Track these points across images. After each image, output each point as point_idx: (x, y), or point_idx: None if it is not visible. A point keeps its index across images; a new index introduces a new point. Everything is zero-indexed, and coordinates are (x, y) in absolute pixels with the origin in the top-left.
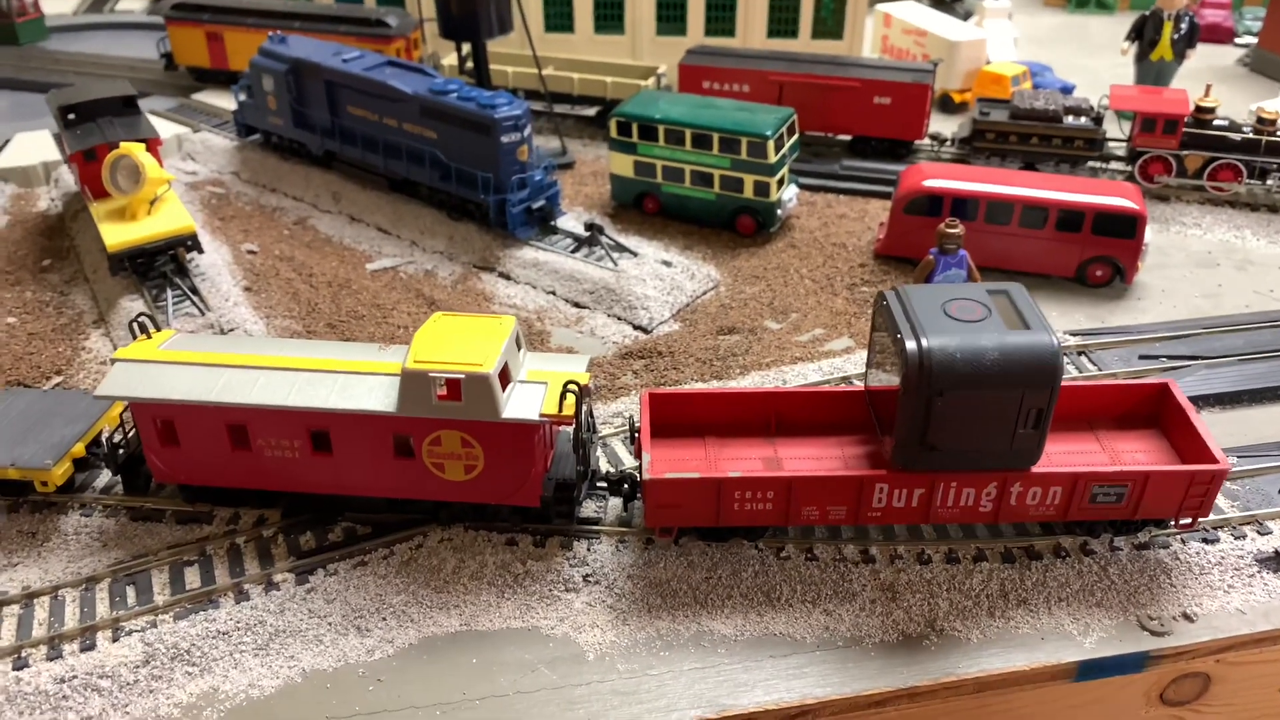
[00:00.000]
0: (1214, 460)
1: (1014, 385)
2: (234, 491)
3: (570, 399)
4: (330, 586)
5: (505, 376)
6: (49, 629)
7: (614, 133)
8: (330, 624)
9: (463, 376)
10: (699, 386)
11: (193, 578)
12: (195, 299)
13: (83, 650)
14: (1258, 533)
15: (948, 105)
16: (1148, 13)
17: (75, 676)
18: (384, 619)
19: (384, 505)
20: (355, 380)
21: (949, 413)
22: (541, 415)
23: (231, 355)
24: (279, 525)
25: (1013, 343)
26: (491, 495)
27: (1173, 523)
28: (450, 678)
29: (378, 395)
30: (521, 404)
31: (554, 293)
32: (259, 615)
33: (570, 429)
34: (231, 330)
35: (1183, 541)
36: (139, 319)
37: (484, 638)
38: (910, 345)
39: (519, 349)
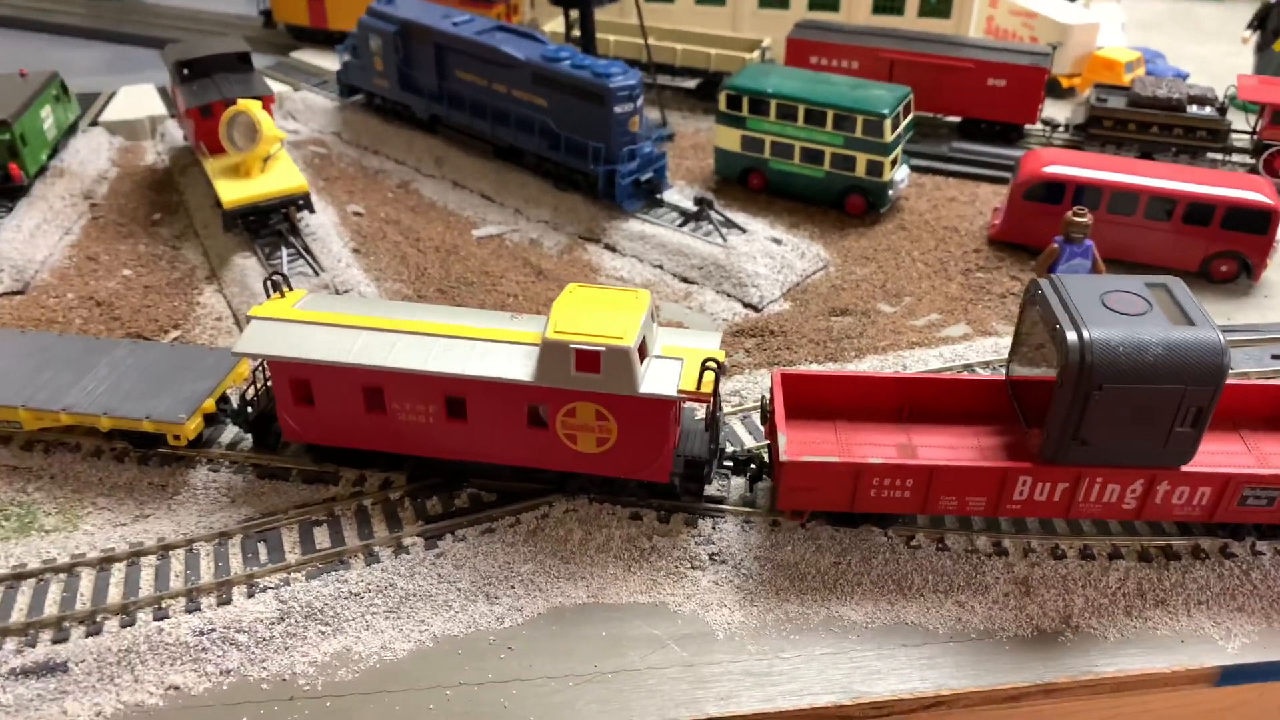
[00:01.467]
0: None
1: (1177, 382)
2: (360, 453)
3: (709, 376)
4: (459, 552)
5: (643, 351)
6: (185, 581)
7: (723, 106)
8: (460, 590)
9: (603, 349)
10: (816, 368)
11: (322, 538)
12: (309, 258)
13: (220, 604)
14: None
15: (1055, 90)
16: (1272, 2)
17: (214, 630)
18: (512, 587)
19: (509, 473)
20: (492, 348)
21: (1106, 407)
22: (679, 392)
23: (367, 317)
24: (405, 489)
25: (1178, 338)
26: (622, 469)
27: None
28: (581, 649)
29: (516, 363)
30: (659, 379)
31: (661, 267)
32: (389, 578)
33: (694, 405)
34: (346, 291)
35: None
36: (274, 276)
37: (612, 611)
38: (1071, 336)
39: (654, 323)
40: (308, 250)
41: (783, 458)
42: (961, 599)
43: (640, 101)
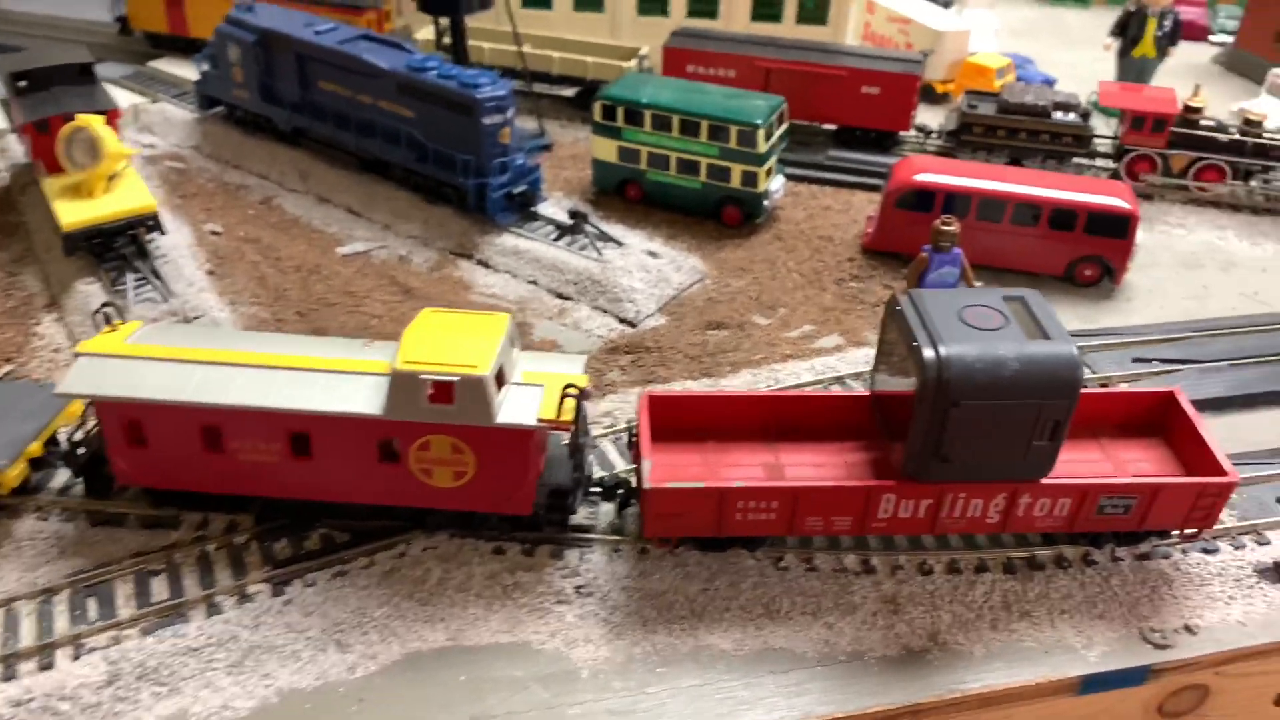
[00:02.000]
0: (1222, 472)
1: (1033, 396)
2: (203, 495)
3: (570, 403)
4: (308, 598)
5: (500, 378)
6: (3, 646)
7: (598, 116)
8: (309, 639)
9: (457, 379)
10: (692, 386)
11: (160, 589)
12: (157, 283)
13: (40, 669)
14: (1256, 543)
15: (929, 96)
16: (1132, 8)
17: (32, 699)
18: (366, 633)
19: (364, 511)
20: (339, 380)
21: (965, 423)
22: (539, 420)
23: (205, 350)
24: (252, 532)
25: (1033, 353)
26: (482, 503)
27: (1176, 533)
28: (437, 696)
29: (363, 396)
30: (517, 408)
31: (535, 282)
32: (232, 630)
33: (561, 431)
34: (196, 318)
35: (1183, 552)
36: (104, 309)
37: (472, 653)
38: (928, 354)
39: (513, 348)
40: (156, 274)
41: (646, 485)
42: (830, 620)
43: (511, 112)
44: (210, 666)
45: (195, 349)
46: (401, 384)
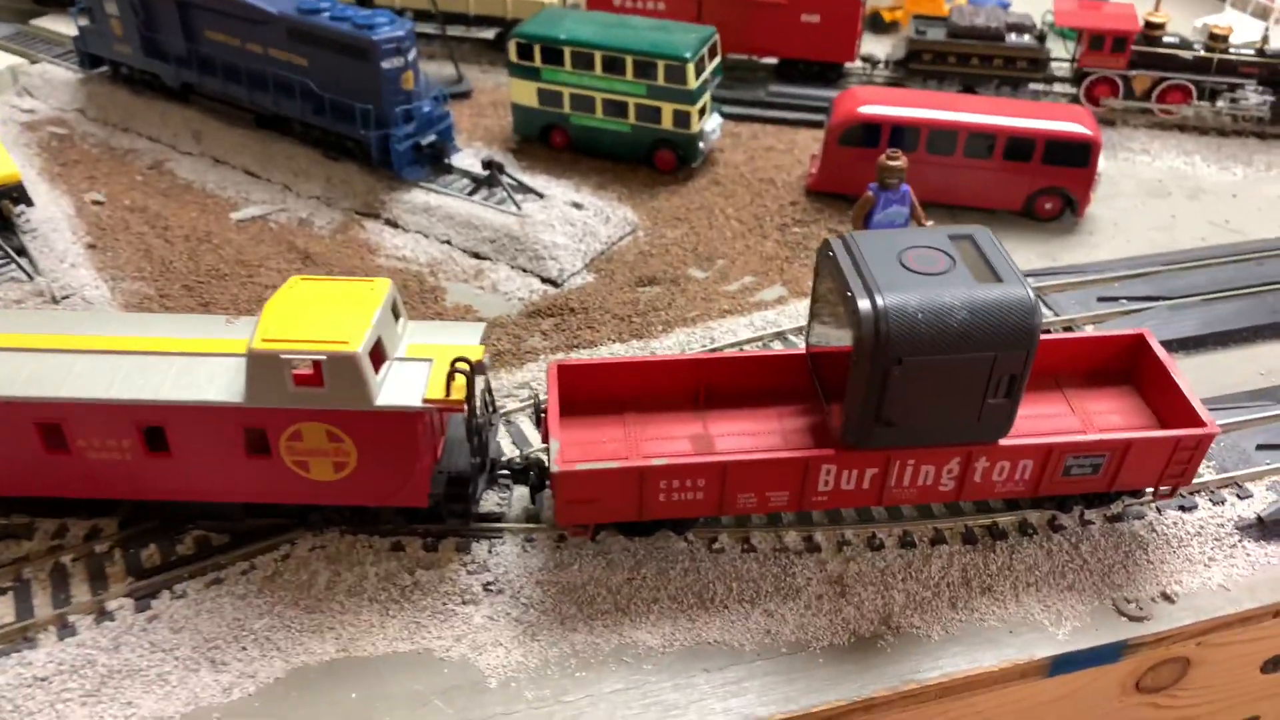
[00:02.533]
0: (1200, 422)
1: (985, 348)
2: (60, 499)
3: (460, 380)
4: (177, 612)
5: (379, 354)
6: None
7: (514, 56)
8: (178, 659)
9: (324, 357)
10: (617, 349)
11: (4, 610)
12: (20, 261)
13: None
14: (1237, 496)
15: (878, 24)
16: None
17: None
18: (244, 648)
19: (239, 510)
20: (195, 364)
21: (909, 382)
22: (425, 401)
23: (44, 337)
24: (116, 538)
25: (983, 298)
26: (369, 496)
27: (1150, 491)
28: (326, 717)
29: (222, 382)
30: (400, 388)
31: (449, 242)
32: (88, 654)
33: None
34: (66, 297)
35: (1158, 510)
36: None
37: (366, 665)
38: (864, 305)
39: (396, 319)
40: (21, 251)
41: (554, 468)
42: (770, 607)
43: (414, 55)
44: (61, 698)
45: (32, 335)
46: (261, 365)
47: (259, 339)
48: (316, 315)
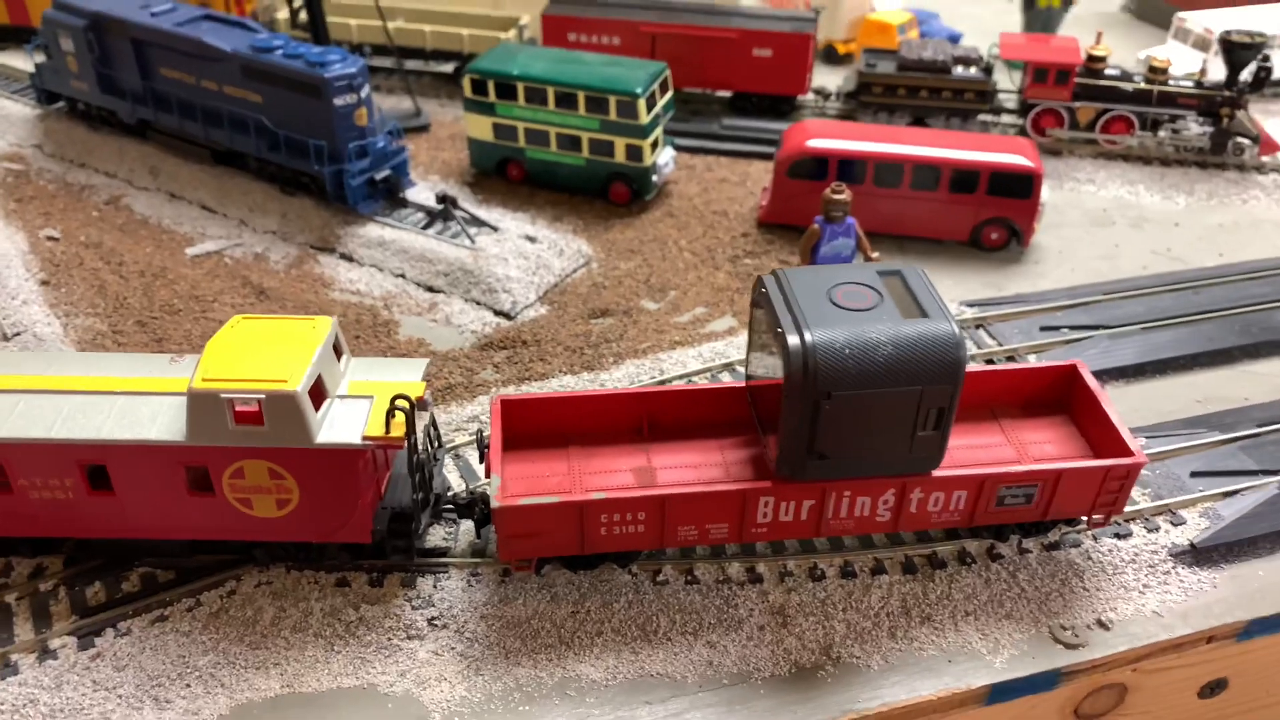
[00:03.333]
0: (1129, 452)
1: (912, 382)
2: (3, 538)
3: (399, 418)
4: (121, 650)
5: (319, 393)
6: None
7: (469, 92)
8: (121, 696)
9: (264, 396)
10: (568, 383)
11: None
12: None
13: None
14: (1171, 524)
15: (832, 57)
16: None
17: None
18: (188, 685)
19: (183, 547)
20: (137, 403)
21: (839, 416)
22: (365, 438)
23: None
24: (61, 576)
25: (909, 334)
26: (312, 532)
27: (1085, 520)
28: None
29: (164, 420)
30: (340, 425)
31: (403, 275)
32: (29, 693)
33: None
34: (17, 335)
35: (1094, 539)
36: None
37: (310, 701)
38: (793, 340)
39: (339, 357)
40: None
41: (494, 504)
42: (712, 639)
43: (366, 91)
44: None
45: None
46: (201, 404)
47: (199, 378)
48: (258, 354)
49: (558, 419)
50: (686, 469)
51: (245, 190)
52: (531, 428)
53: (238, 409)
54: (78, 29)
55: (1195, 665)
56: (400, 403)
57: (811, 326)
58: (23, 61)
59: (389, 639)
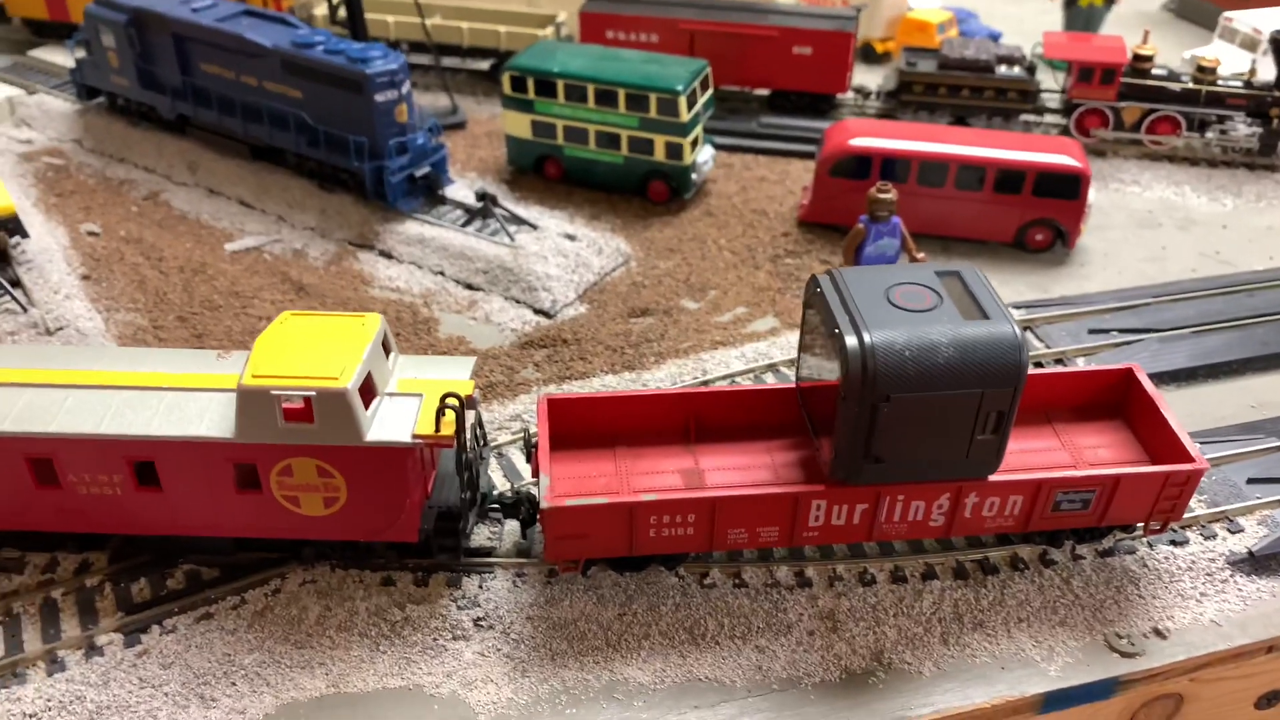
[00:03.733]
0: (1189, 458)
1: (972, 385)
2: (51, 533)
3: (449, 416)
4: (167, 647)
5: (369, 390)
6: None
7: (508, 89)
8: (167, 694)
9: (314, 393)
10: (609, 382)
11: None
12: (15, 293)
13: None
14: (1228, 531)
15: (870, 56)
16: None
17: None
18: (233, 684)
19: (230, 544)
20: (185, 399)
21: (897, 419)
22: (415, 436)
23: (36, 371)
24: (106, 572)
25: (970, 335)
26: (359, 531)
27: (1141, 527)
28: None
29: (212, 417)
30: (390, 423)
31: (442, 273)
32: (76, 689)
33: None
34: (60, 329)
35: (1149, 545)
36: None
37: (356, 701)
38: (850, 342)
39: (387, 354)
40: (16, 283)
41: (542, 504)
42: (761, 643)
43: (407, 88)
44: None
45: (24, 369)
46: (251, 401)
47: (249, 375)
48: (307, 351)
49: (603, 419)
50: (735, 471)
51: (284, 186)
52: (577, 427)
53: (287, 406)
54: (119, 24)
55: (1253, 676)
56: (450, 400)
57: (871, 327)
58: (63, 57)
59: (434, 639)
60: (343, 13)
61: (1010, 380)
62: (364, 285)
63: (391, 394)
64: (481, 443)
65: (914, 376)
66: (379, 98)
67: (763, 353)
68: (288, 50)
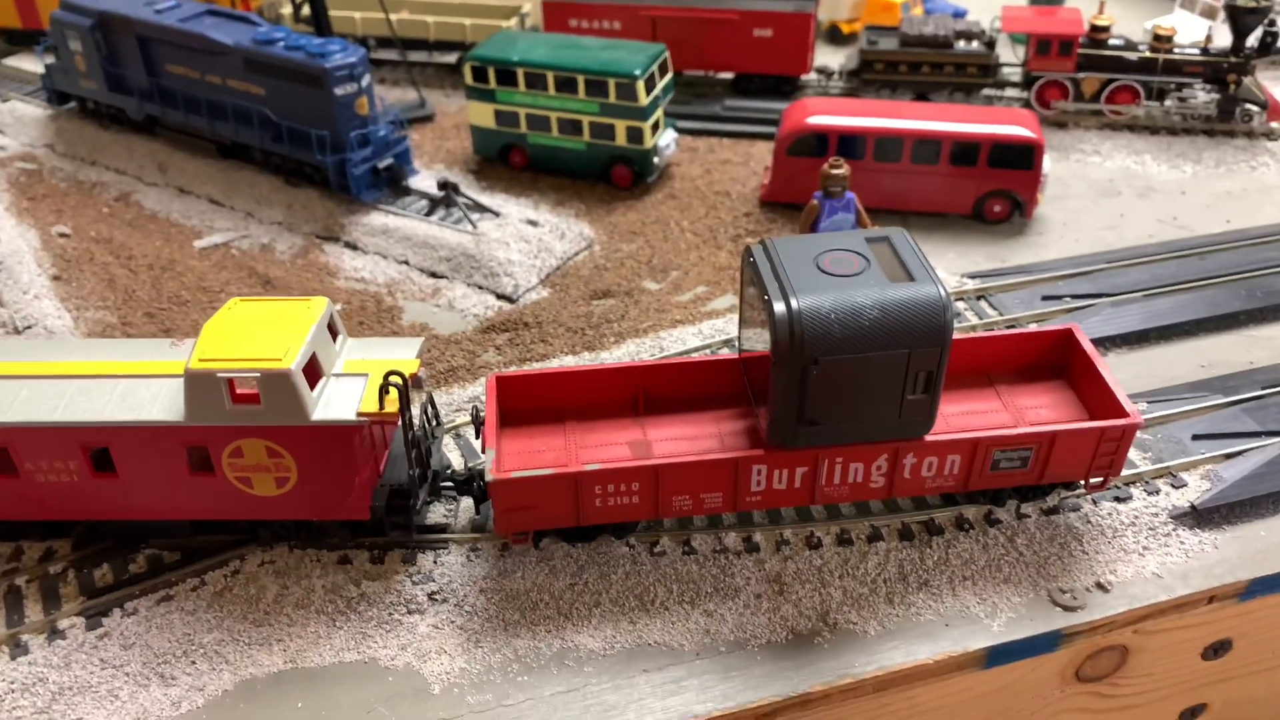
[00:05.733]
0: (1124, 414)
1: (899, 346)
2: (12, 521)
3: (393, 394)
4: (128, 629)
5: (314, 371)
6: None
7: (470, 79)
8: (128, 674)
9: (258, 374)
10: (568, 362)
11: None
12: None
13: None
14: (1172, 486)
15: (837, 37)
16: None
17: None
18: (193, 663)
19: (190, 527)
20: (137, 386)
21: (827, 382)
22: (360, 414)
23: None
24: (70, 559)
25: (894, 297)
26: (312, 510)
27: (1083, 484)
28: None
29: (163, 402)
30: (336, 403)
31: (407, 262)
32: (39, 672)
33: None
34: (28, 328)
35: (1094, 502)
36: None
37: (312, 676)
38: (779, 307)
39: (334, 336)
40: None
41: (488, 477)
42: (709, 607)
43: (367, 80)
44: (14, 715)
45: None
46: (199, 385)
47: (196, 359)
48: (253, 334)
49: (554, 395)
50: (682, 441)
51: (251, 183)
52: (528, 404)
53: (235, 389)
54: (84, 28)
55: (1197, 626)
56: (393, 378)
57: (798, 293)
58: (35, 64)
59: (390, 614)
60: (306, 10)
61: (936, 340)
62: (329, 277)
63: (338, 375)
64: (434, 422)
65: (840, 339)
66: (339, 91)
67: (720, 329)
68: (249, 48)
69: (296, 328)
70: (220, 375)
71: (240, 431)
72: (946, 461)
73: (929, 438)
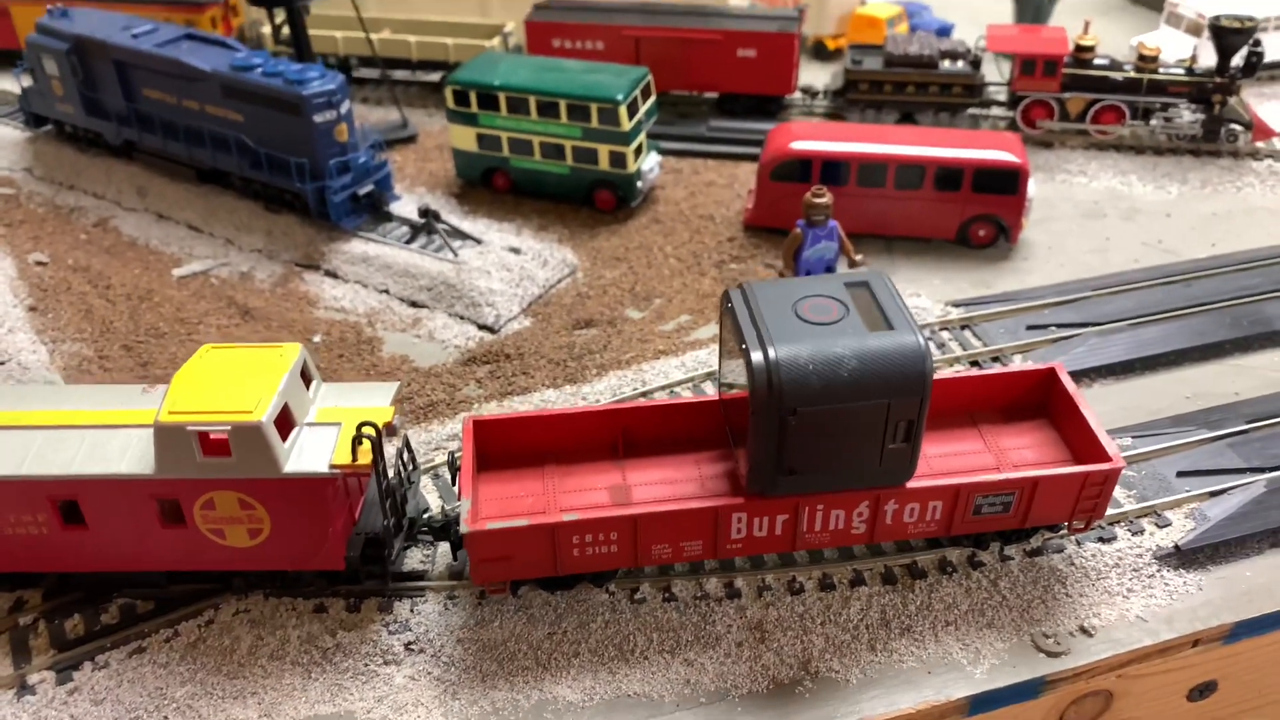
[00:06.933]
0: (1106, 457)
1: (878, 396)
2: None
3: (365, 445)
4: (99, 683)
5: (287, 421)
6: None
7: (451, 103)
8: None
9: (229, 427)
10: (549, 397)
11: None
12: None
13: None
14: (1156, 526)
15: (822, 53)
16: None
17: None
18: (165, 717)
19: (162, 577)
20: (107, 437)
21: (806, 432)
22: (332, 466)
23: None
24: (40, 609)
25: (874, 347)
26: (286, 560)
27: (1067, 526)
28: None
29: (133, 454)
30: (308, 454)
31: (387, 291)
32: None
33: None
34: (2, 363)
35: (1077, 543)
36: None
37: None
38: (756, 357)
39: (308, 383)
40: None
41: (463, 528)
42: (690, 656)
43: (346, 107)
44: None
45: None
46: (168, 438)
47: (165, 411)
48: (224, 384)
49: (532, 437)
50: (662, 485)
51: (231, 209)
52: (506, 447)
53: (205, 441)
54: (61, 52)
55: (1182, 669)
56: (366, 429)
57: (776, 342)
58: (10, 85)
59: (366, 665)
60: (286, 31)
61: (916, 390)
62: (309, 306)
63: (311, 424)
64: (410, 467)
65: (819, 390)
66: (317, 118)
67: (703, 361)
68: (226, 74)
69: (268, 377)
70: (190, 428)
71: (212, 484)
72: (929, 508)
73: (910, 484)
